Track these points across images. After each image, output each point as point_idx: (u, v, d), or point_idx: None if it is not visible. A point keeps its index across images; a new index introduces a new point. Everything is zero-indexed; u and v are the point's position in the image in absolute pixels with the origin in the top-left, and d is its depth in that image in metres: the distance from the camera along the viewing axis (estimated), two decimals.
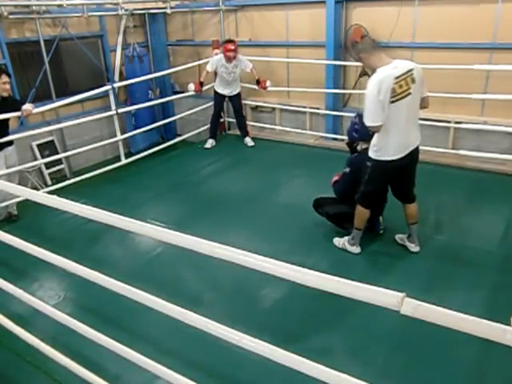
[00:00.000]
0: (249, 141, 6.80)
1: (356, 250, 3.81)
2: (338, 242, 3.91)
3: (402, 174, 3.56)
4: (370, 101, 3.22)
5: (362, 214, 3.67)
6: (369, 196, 3.63)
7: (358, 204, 3.66)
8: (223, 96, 6.61)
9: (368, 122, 3.29)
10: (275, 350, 1.66)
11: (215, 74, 6.54)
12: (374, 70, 3.31)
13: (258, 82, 6.55)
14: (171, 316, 1.88)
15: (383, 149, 3.38)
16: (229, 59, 6.24)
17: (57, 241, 4.29)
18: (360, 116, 3.83)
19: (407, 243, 3.82)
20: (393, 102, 3.20)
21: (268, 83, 6.54)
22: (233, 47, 6.20)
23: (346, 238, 3.86)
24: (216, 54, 6.53)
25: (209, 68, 6.36)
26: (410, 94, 3.24)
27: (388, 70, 3.20)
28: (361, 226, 3.73)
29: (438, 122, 5.69)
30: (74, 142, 6.47)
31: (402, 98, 3.22)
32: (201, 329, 1.82)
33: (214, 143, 6.83)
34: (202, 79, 6.38)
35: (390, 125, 3.27)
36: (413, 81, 3.26)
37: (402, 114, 3.27)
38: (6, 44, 5.83)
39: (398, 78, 3.19)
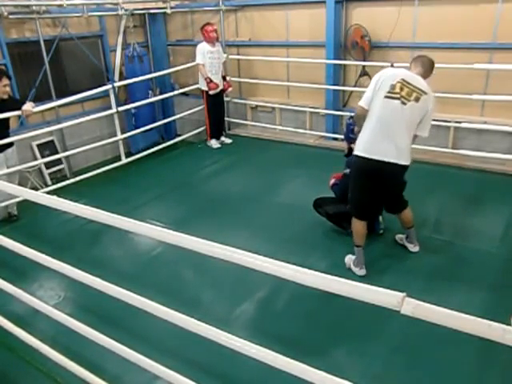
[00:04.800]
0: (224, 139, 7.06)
1: (360, 272, 3.51)
2: (348, 260, 3.67)
3: (381, 188, 3.43)
4: (369, 86, 3.33)
5: (357, 226, 3.52)
6: (356, 203, 3.53)
7: (352, 215, 3.57)
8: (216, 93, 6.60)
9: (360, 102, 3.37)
10: (277, 356, 1.66)
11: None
12: None
13: (224, 78, 6.66)
14: (173, 323, 1.89)
15: (357, 141, 3.40)
16: (213, 40, 6.42)
17: (57, 241, 4.29)
18: (353, 117, 3.84)
19: (406, 244, 3.82)
20: (386, 97, 3.21)
21: (230, 89, 6.82)
22: (215, 27, 6.44)
23: (353, 257, 3.61)
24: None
25: (200, 60, 6.38)
26: (403, 102, 3.18)
27: (400, 70, 3.28)
28: (359, 242, 3.52)
29: (438, 122, 5.68)
30: (74, 142, 6.45)
31: (394, 98, 3.19)
32: (202, 335, 1.81)
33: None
34: (207, 76, 6.36)
35: (370, 117, 3.29)
36: (416, 99, 3.21)
37: (386, 115, 3.22)
38: (6, 44, 5.82)
39: (403, 80, 3.21)
